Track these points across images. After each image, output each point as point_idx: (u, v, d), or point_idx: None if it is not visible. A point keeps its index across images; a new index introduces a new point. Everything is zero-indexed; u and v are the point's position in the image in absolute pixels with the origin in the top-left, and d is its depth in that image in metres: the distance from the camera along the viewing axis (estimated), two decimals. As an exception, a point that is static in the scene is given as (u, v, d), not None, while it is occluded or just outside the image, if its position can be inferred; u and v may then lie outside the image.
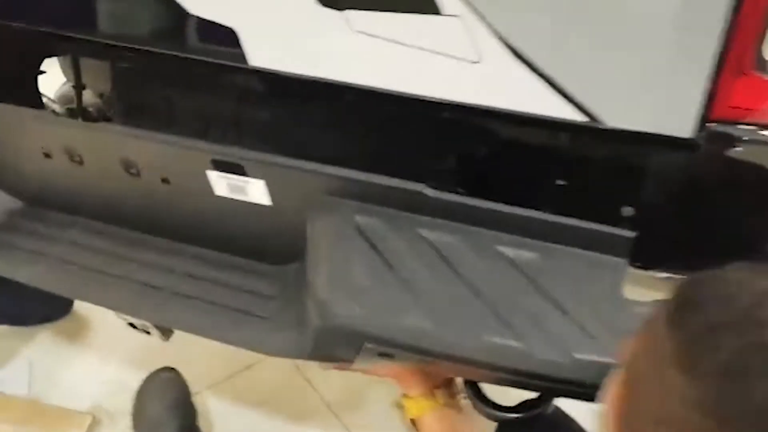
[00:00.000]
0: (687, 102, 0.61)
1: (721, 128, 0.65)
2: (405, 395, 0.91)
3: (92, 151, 0.94)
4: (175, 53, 0.83)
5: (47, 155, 0.99)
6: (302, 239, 0.89)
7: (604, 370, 0.59)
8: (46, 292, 1.61)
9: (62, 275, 1.01)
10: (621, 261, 0.68)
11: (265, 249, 0.95)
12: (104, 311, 1.05)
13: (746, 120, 0.65)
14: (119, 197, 1.00)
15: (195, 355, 1.56)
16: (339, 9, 0.71)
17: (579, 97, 0.66)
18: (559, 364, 0.62)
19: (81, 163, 0.97)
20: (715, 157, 0.66)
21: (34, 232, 1.08)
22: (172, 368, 1.27)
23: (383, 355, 0.73)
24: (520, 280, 0.68)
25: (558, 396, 0.78)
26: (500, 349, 0.64)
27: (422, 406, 0.87)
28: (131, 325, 1.13)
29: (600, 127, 0.66)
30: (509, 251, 0.70)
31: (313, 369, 1.65)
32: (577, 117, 0.66)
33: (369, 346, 0.71)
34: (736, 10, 0.57)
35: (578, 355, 0.62)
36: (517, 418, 0.84)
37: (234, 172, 0.84)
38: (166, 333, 1.15)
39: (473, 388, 0.86)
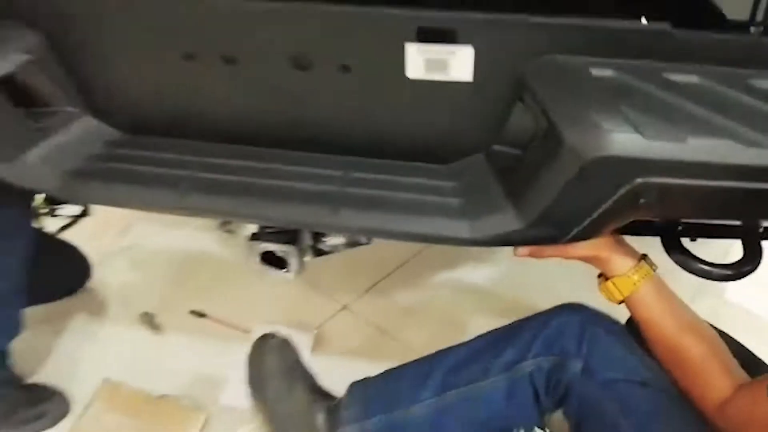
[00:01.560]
0: None
1: None
2: (606, 277, 0.89)
3: (255, 43, 0.86)
4: None
5: (189, 57, 0.89)
6: (496, 122, 0.87)
7: None
8: (66, 265, 1.53)
9: (214, 196, 0.90)
10: None
11: (450, 141, 0.91)
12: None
13: None
14: (273, 103, 0.91)
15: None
16: None
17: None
18: None
19: (233, 62, 0.88)
20: None
21: (157, 159, 0.96)
22: (274, 334, 1.15)
23: (647, 197, 0.71)
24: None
25: None
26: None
27: (634, 281, 0.86)
28: (265, 258, 1.03)
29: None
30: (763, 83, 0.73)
31: (390, 321, 1.60)
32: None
33: (642, 181, 0.70)
34: None
35: None
36: (731, 275, 0.86)
37: (441, 41, 0.80)
38: (302, 268, 1.06)
39: (681, 248, 0.87)
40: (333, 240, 1.10)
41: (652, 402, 0.83)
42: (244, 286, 1.69)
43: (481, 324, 1.27)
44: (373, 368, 1.14)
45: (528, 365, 0.91)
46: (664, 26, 0.74)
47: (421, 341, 1.53)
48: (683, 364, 0.83)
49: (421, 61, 0.83)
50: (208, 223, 1.91)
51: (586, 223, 0.79)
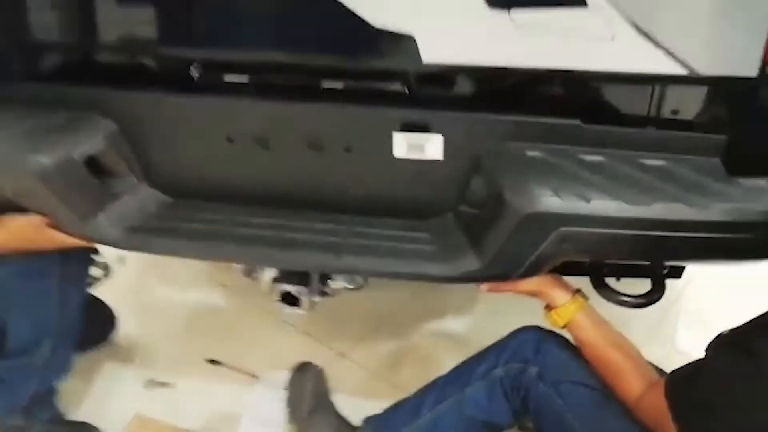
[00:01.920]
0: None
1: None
2: (550, 308, 1.15)
3: (281, 131, 1.15)
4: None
5: (230, 140, 1.18)
6: (459, 189, 1.15)
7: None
8: (96, 318, 1.75)
9: (244, 246, 1.16)
10: (717, 160, 1.02)
11: (427, 203, 1.19)
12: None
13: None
14: (294, 174, 1.20)
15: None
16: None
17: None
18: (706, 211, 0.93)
19: (265, 145, 1.17)
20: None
21: (198, 218, 1.24)
22: (313, 364, 1.39)
23: (567, 243, 0.99)
24: (657, 175, 1.00)
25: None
26: (669, 209, 0.94)
27: (571, 310, 1.12)
28: (284, 298, 1.29)
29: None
30: (647, 161, 1.03)
31: (381, 365, 1.83)
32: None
33: (563, 230, 0.97)
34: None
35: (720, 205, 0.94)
36: (642, 303, 1.12)
37: (419, 131, 1.10)
38: (311, 307, 1.31)
39: (605, 284, 1.14)
40: (336, 284, 1.35)
41: (590, 398, 1.07)
42: (251, 336, 1.94)
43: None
44: (368, 407, 1.37)
45: (499, 372, 1.16)
46: (576, 122, 1.05)
47: (409, 383, 1.75)
48: (611, 372, 1.08)
49: (404, 144, 1.12)
50: (218, 281, 2.17)
51: (528, 263, 1.06)
